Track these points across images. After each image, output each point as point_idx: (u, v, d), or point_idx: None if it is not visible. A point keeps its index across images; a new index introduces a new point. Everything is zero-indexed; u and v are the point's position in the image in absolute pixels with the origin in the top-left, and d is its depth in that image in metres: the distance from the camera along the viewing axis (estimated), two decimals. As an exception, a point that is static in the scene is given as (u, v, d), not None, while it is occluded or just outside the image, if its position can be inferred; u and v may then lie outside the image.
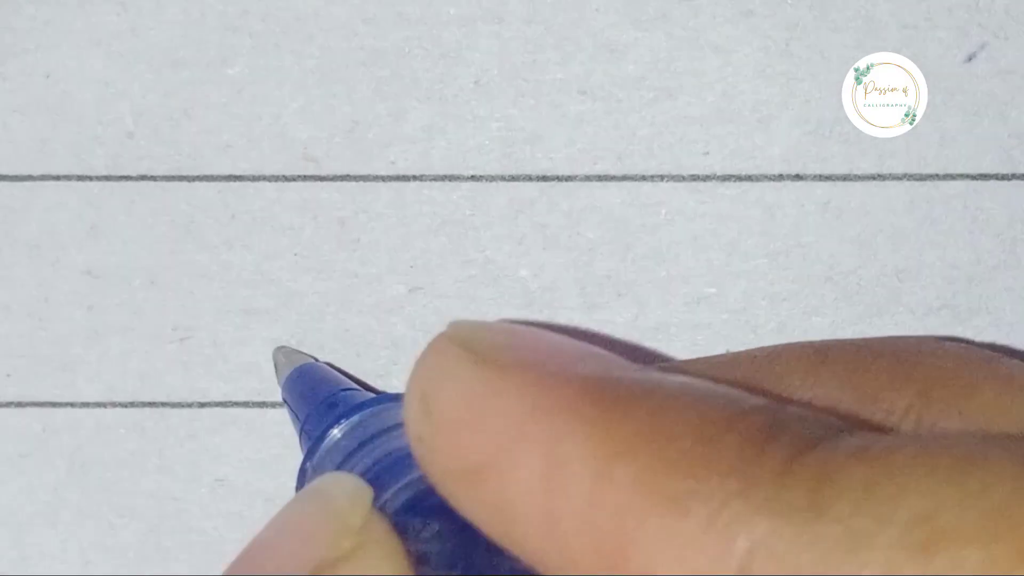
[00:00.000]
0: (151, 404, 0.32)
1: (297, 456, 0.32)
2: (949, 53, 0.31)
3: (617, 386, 0.18)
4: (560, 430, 0.17)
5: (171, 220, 0.32)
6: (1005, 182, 0.31)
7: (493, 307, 0.32)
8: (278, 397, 0.32)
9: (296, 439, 0.29)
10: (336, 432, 0.26)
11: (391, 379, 0.32)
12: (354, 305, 0.32)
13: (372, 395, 0.29)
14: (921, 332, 0.31)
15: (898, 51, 0.31)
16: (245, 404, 0.32)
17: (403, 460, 0.23)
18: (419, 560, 0.20)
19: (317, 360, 0.32)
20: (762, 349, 0.24)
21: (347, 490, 0.21)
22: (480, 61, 0.31)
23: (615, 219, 0.31)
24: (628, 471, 0.16)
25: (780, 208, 0.31)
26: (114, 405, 0.32)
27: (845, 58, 0.31)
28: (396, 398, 0.27)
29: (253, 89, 0.31)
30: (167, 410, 0.32)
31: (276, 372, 0.31)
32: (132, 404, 0.32)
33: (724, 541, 0.15)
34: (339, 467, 0.25)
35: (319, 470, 0.26)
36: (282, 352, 0.31)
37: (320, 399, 0.28)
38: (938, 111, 0.31)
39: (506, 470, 0.18)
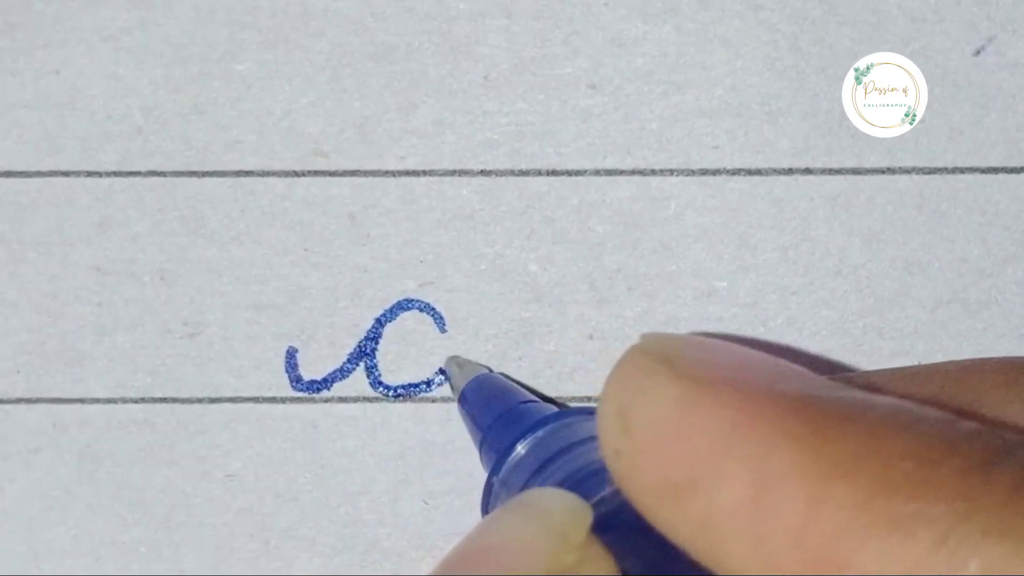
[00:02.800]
0: (161, 400, 0.32)
1: (306, 451, 0.32)
2: (957, 47, 0.31)
3: (825, 405, 0.17)
4: (769, 448, 0.17)
5: (180, 215, 0.32)
6: (1014, 175, 0.31)
7: (503, 302, 0.32)
8: (288, 392, 0.32)
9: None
10: (520, 448, 0.26)
11: (401, 374, 0.32)
12: (364, 300, 0.32)
13: (554, 408, 0.29)
14: (931, 326, 0.31)
15: (906, 45, 0.31)
16: (255, 399, 0.32)
17: (593, 476, 0.23)
18: None
19: (491, 370, 0.31)
20: (953, 363, 0.23)
21: (567, 506, 0.21)
22: (489, 56, 0.31)
23: (625, 213, 0.31)
24: (845, 492, 0.16)
25: (789, 202, 0.31)
26: (124, 401, 0.32)
27: (854, 52, 0.31)
28: (580, 412, 0.27)
29: (262, 84, 0.31)
30: (177, 406, 0.32)
31: (450, 382, 0.31)
32: (142, 400, 0.32)
33: (954, 565, 0.15)
34: (527, 484, 0.24)
35: (506, 485, 0.26)
36: (456, 362, 0.31)
37: (500, 412, 0.28)
38: (946, 105, 0.31)
39: (712, 487, 0.17)
